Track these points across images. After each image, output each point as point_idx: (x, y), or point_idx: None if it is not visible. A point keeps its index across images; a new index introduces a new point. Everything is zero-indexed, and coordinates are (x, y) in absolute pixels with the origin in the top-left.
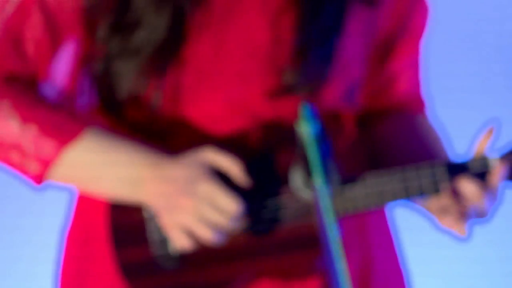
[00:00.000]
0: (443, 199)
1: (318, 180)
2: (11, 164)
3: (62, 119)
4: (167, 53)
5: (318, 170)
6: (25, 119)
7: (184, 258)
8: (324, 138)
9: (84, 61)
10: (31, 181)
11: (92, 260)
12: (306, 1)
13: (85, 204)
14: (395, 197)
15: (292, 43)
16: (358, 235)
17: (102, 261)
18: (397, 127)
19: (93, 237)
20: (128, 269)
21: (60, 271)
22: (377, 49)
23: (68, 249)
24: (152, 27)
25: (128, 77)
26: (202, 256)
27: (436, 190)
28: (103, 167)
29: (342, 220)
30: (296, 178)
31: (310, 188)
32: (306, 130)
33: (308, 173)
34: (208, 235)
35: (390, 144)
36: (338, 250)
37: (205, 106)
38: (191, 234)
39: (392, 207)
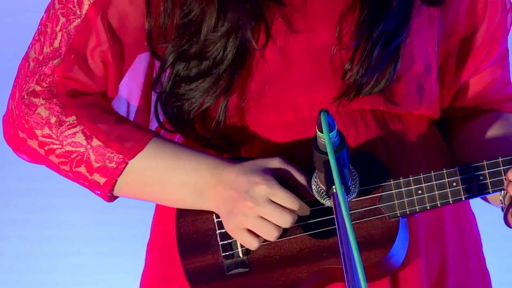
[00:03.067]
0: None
1: (337, 187)
2: (80, 178)
3: (127, 131)
4: (233, 73)
5: (337, 177)
6: (91, 132)
7: (251, 263)
8: (343, 146)
9: (151, 80)
10: (99, 194)
11: (170, 267)
12: (369, 2)
13: (162, 212)
14: (460, 196)
15: (354, 42)
16: (435, 229)
17: (179, 268)
18: (483, 126)
19: (169, 244)
20: (195, 277)
21: (142, 279)
22: (455, 52)
23: (149, 256)
24: (218, 59)
25: (195, 98)
26: (268, 260)
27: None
28: (167, 176)
29: (416, 219)
30: (316, 185)
31: (329, 195)
32: (325, 137)
33: (327, 180)
34: (271, 233)
35: (476, 142)
36: (357, 256)
37: (273, 114)
38: (254, 234)
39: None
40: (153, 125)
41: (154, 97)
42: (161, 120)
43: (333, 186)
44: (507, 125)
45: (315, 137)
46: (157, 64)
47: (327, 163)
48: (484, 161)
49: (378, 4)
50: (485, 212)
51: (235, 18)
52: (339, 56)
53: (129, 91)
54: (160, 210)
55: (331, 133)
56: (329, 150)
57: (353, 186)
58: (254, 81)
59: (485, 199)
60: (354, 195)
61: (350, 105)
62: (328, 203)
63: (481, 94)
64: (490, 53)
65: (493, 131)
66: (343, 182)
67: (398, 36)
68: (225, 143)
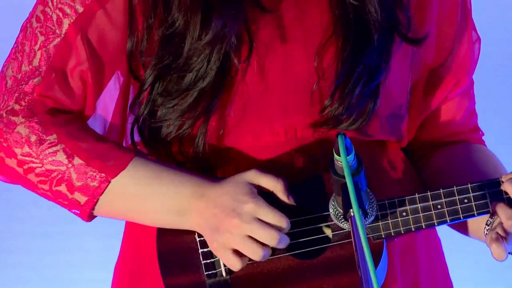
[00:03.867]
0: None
1: (355, 210)
2: (59, 197)
3: (108, 150)
4: (214, 95)
5: (354, 200)
6: (72, 150)
7: (234, 283)
8: (360, 169)
9: (128, 97)
10: (79, 214)
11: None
12: (348, 38)
13: (134, 233)
14: (445, 218)
15: (335, 77)
16: (408, 255)
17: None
18: (453, 157)
19: (144, 264)
20: None
21: None
22: (422, 81)
23: (118, 278)
24: (201, 73)
25: (173, 119)
26: (251, 280)
27: (486, 211)
28: (149, 195)
29: (394, 241)
30: (334, 208)
31: (347, 218)
32: (342, 161)
33: (345, 203)
34: (257, 252)
35: (447, 173)
36: (374, 278)
37: (250, 138)
38: (239, 254)
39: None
40: (125, 145)
41: (130, 116)
42: (136, 141)
43: (351, 210)
44: (479, 156)
45: (332, 160)
46: (134, 84)
47: (344, 186)
48: (469, 184)
49: (359, 39)
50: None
51: (220, 27)
52: (318, 89)
53: (105, 108)
54: (130, 230)
55: (349, 156)
56: (346, 173)
57: (371, 209)
58: (234, 105)
59: (465, 232)
60: (372, 218)
61: (327, 133)
62: (345, 226)
63: (448, 124)
64: (458, 84)
65: (463, 163)
66: (361, 205)
67: (379, 73)
68: (201, 167)
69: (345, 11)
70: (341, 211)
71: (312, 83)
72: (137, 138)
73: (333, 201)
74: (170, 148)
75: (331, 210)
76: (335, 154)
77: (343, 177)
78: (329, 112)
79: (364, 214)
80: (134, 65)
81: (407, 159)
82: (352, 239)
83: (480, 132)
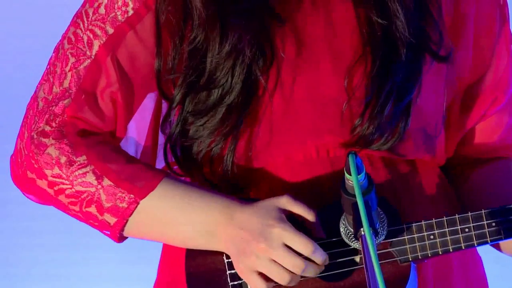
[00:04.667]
0: None
1: (365, 229)
2: (90, 218)
3: (137, 171)
4: (241, 112)
5: (365, 219)
6: (101, 172)
7: None
8: (371, 188)
9: (159, 119)
10: (109, 235)
11: None
12: (377, 57)
13: (170, 253)
14: (472, 241)
15: (364, 95)
16: (443, 279)
17: None
18: (492, 174)
19: (179, 284)
20: None
21: None
22: (459, 98)
23: None
24: (226, 89)
25: (203, 138)
26: None
27: None
28: (178, 216)
29: (425, 265)
30: (345, 227)
31: (357, 237)
32: (353, 180)
33: (355, 222)
34: (283, 277)
35: (486, 191)
36: None
37: (281, 157)
38: (266, 278)
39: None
40: (159, 166)
41: (161, 137)
42: (169, 161)
43: (361, 229)
44: None
45: (343, 180)
46: (165, 105)
47: (355, 205)
48: (499, 207)
49: (388, 57)
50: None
51: (236, 38)
52: (349, 109)
53: (137, 130)
54: (168, 251)
55: (359, 176)
56: (357, 192)
57: (381, 228)
58: (263, 124)
59: (498, 248)
60: (383, 237)
61: (359, 152)
62: (356, 245)
63: (487, 141)
64: (496, 101)
65: (504, 180)
66: (371, 224)
67: (409, 92)
68: (232, 187)
69: (373, 30)
70: (352, 230)
71: (341, 102)
72: (170, 158)
73: (344, 220)
74: (202, 169)
75: (341, 229)
76: (345, 173)
77: (354, 196)
78: (359, 132)
79: (375, 233)
80: (164, 84)
81: (444, 178)
82: (363, 258)
83: None
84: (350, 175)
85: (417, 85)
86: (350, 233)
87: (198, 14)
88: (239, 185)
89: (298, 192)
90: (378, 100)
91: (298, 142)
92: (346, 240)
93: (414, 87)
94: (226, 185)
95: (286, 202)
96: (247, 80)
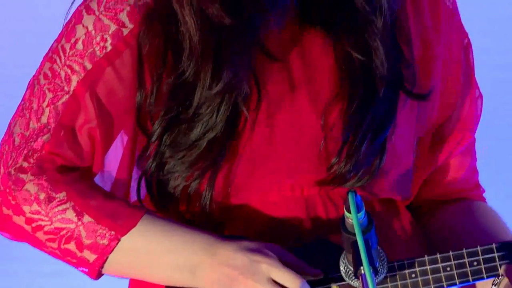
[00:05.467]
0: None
1: (365, 268)
2: (68, 255)
3: (117, 207)
4: (222, 147)
5: (365, 258)
6: (81, 208)
7: None
8: (371, 226)
9: (135, 154)
10: (87, 272)
11: None
12: (355, 95)
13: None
14: (454, 280)
15: (342, 135)
16: None
17: None
18: (455, 215)
19: None
20: None
21: None
22: (427, 138)
23: None
24: (210, 125)
25: (180, 174)
26: None
27: (495, 274)
28: (160, 254)
29: None
30: (345, 266)
31: (357, 276)
32: (353, 218)
33: (355, 261)
34: None
35: (450, 232)
36: None
37: (257, 194)
38: None
39: None
40: (131, 200)
41: (135, 171)
42: (142, 198)
43: (361, 267)
44: (482, 214)
45: (343, 218)
46: (140, 140)
47: (355, 244)
48: (478, 247)
49: (365, 95)
50: None
51: (231, 76)
52: (325, 147)
53: (111, 165)
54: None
55: (359, 214)
56: (357, 231)
57: (381, 267)
58: (242, 160)
59: None
60: (382, 276)
61: (335, 190)
62: (356, 283)
63: (451, 181)
64: (462, 140)
65: (468, 220)
66: (371, 263)
67: (385, 129)
68: (209, 224)
69: (352, 66)
70: (352, 268)
71: (319, 140)
72: (143, 194)
73: (344, 259)
74: (178, 205)
75: (341, 268)
76: (345, 212)
77: (354, 234)
78: (336, 170)
79: (375, 271)
80: (142, 118)
81: (413, 219)
82: None
83: (481, 189)
84: (350, 213)
85: (392, 123)
86: (350, 271)
87: (191, 47)
88: (215, 223)
89: (273, 230)
90: (355, 138)
91: (275, 181)
92: (346, 279)
93: (390, 125)
94: (202, 221)
95: (267, 268)
96: (231, 116)
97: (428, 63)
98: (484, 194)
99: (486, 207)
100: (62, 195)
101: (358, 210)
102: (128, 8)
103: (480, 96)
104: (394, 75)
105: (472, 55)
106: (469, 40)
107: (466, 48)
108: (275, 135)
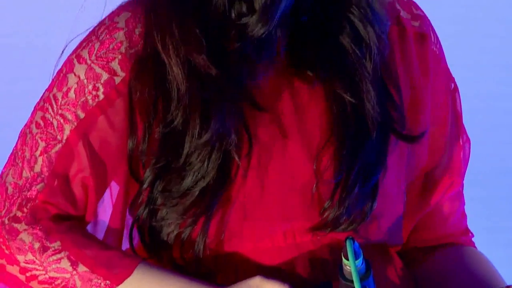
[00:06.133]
0: None
1: None
2: None
3: (112, 256)
4: (215, 195)
5: None
6: (76, 258)
7: None
8: (369, 273)
9: (128, 202)
10: None
11: None
12: (347, 138)
13: None
14: None
15: (333, 177)
16: None
17: None
18: (445, 261)
19: None
20: None
21: None
22: (417, 184)
23: None
24: (201, 173)
25: (173, 221)
26: None
27: None
28: None
29: None
30: None
31: None
32: (351, 265)
33: None
34: None
35: (441, 278)
36: None
37: (249, 242)
38: None
39: None
40: (124, 248)
41: (128, 219)
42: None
43: None
44: (472, 260)
45: (340, 265)
46: (132, 187)
47: None
48: None
49: (357, 138)
50: None
51: (219, 125)
52: (317, 192)
53: (105, 213)
54: None
55: (357, 261)
56: (355, 278)
57: None
58: (235, 207)
59: None
60: None
61: (328, 236)
62: None
63: (440, 227)
64: (452, 186)
65: (458, 266)
66: None
67: (377, 170)
68: (201, 272)
69: (344, 109)
70: None
71: (311, 184)
72: (135, 242)
73: None
74: (171, 252)
75: None
76: (343, 259)
77: (352, 281)
78: (328, 215)
79: None
80: (134, 165)
81: (402, 263)
82: None
83: (470, 234)
84: (347, 260)
85: (383, 166)
86: None
87: (179, 96)
88: (208, 271)
89: (268, 276)
90: (347, 182)
91: (267, 227)
92: None
93: (381, 168)
94: (195, 270)
95: (260, 281)
96: (222, 164)
97: (416, 107)
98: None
99: (477, 253)
100: (56, 245)
101: (356, 257)
102: (120, 57)
103: (468, 141)
104: (385, 117)
105: (460, 100)
106: (455, 85)
107: (453, 93)
108: (267, 181)
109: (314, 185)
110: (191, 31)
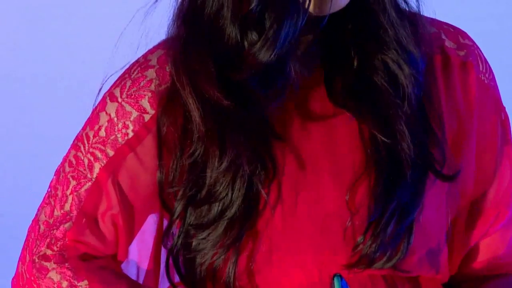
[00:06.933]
0: None
1: None
2: None
3: None
4: (242, 226)
5: None
6: None
7: None
8: None
9: (161, 238)
10: None
11: None
12: (382, 174)
13: None
14: None
15: (367, 213)
16: None
17: None
18: None
19: None
20: None
21: None
22: (464, 214)
23: None
24: (227, 203)
25: (206, 250)
26: None
27: None
28: None
29: None
30: None
31: None
32: None
33: None
34: None
35: None
36: None
37: (281, 276)
38: None
39: None
40: (163, 287)
41: (163, 258)
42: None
43: None
44: None
45: None
46: (166, 224)
47: None
48: None
49: (392, 177)
50: None
51: (234, 154)
52: (351, 226)
53: (139, 253)
54: None
55: None
56: None
57: None
58: (262, 242)
59: None
60: None
61: (361, 272)
62: None
63: (491, 257)
64: (499, 216)
65: None
66: None
67: (412, 210)
68: None
69: (377, 149)
70: None
71: (343, 219)
72: (173, 278)
73: None
74: (205, 284)
75: None
76: None
77: None
78: (361, 250)
79: None
80: (166, 197)
81: None
82: None
83: None
84: None
85: (420, 204)
86: None
87: (197, 128)
88: None
89: None
90: (381, 219)
91: (298, 261)
92: None
93: (417, 207)
94: None
95: None
96: (248, 194)
97: (461, 138)
98: None
99: None
100: (84, 283)
101: None
102: (150, 94)
103: None
104: (422, 156)
105: (510, 127)
106: (506, 114)
107: (504, 123)
108: (297, 213)
109: (348, 220)
110: (204, 63)
